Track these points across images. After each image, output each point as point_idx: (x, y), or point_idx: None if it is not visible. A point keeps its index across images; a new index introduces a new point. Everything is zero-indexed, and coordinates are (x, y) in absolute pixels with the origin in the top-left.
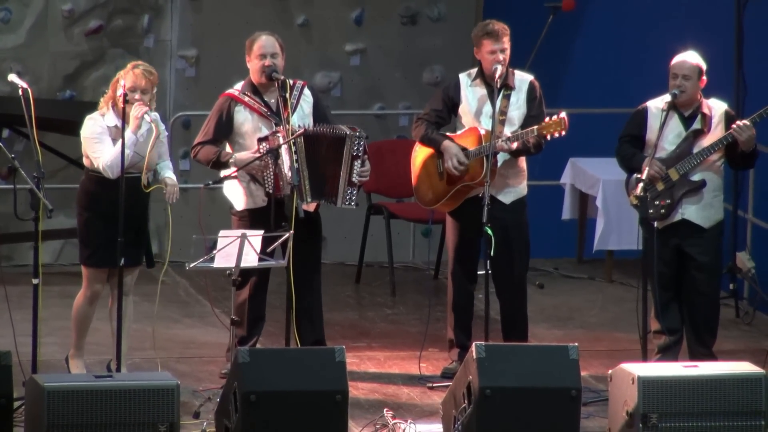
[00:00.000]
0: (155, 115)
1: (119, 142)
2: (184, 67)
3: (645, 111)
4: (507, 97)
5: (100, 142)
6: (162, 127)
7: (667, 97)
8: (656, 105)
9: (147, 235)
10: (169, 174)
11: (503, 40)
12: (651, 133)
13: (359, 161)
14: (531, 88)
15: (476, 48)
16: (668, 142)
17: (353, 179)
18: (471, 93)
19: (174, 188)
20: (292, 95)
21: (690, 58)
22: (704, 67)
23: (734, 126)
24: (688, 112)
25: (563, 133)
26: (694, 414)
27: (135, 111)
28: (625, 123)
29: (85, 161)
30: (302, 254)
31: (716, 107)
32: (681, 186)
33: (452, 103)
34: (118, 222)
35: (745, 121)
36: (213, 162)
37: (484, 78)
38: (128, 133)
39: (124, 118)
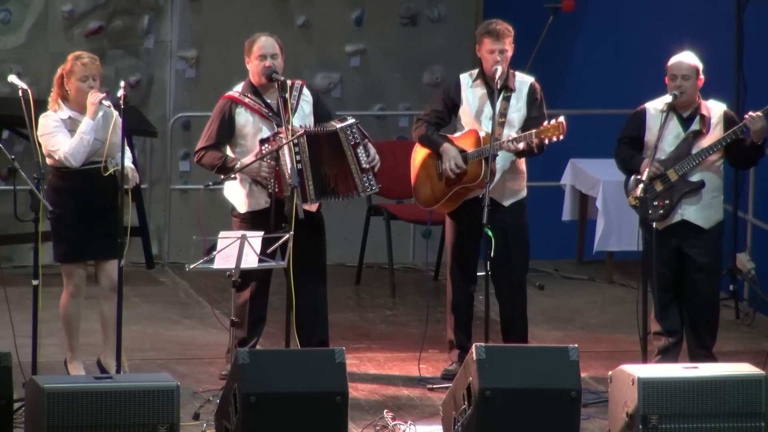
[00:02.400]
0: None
1: (79, 129)
2: (184, 68)
3: (643, 112)
4: (507, 99)
5: (56, 135)
6: (115, 113)
7: (665, 99)
8: (655, 106)
9: (121, 222)
10: (126, 163)
11: (504, 41)
12: (650, 135)
13: (361, 147)
14: (531, 90)
15: (478, 46)
16: (667, 144)
17: (364, 166)
18: (471, 94)
19: (133, 173)
20: (291, 96)
21: (687, 58)
22: (701, 66)
23: (748, 116)
24: (686, 113)
25: (561, 137)
26: (694, 415)
27: (91, 98)
28: (624, 124)
29: (48, 161)
30: (307, 256)
31: (715, 108)
32: (680, 187)
33: (452, 103)
34: (89, 215)
35: (758, 112)
36: (218, 167)
37: (485, 79)
38: (86, 120)
39: (124, 118)
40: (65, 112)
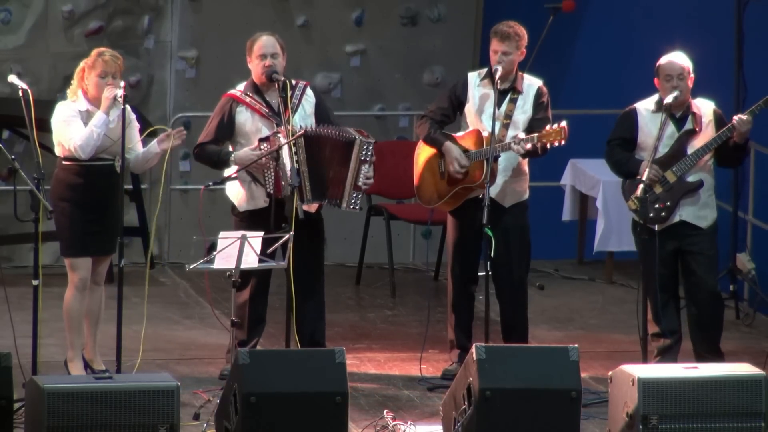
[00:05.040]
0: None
1: (91, 122)
2: (185, 68)
3: (634, 113)
4: (513, 101)
5: (71, 124)
6: (133, 116)
7: (654, 99)
8: (646, 107)
9: (121, 222)
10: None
11: (507, 44)
12: (643, 135)
13: (367, 165)
14: (538, 93)
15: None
16: (662, 144)
17: (359, 183)
18: (477, 93)
19: (174, 131)
20: (293, 96)
21: (679, 58)
22: (691, 65)
23: (736, 119)
24: (679, 113)
25: (563, 142)
26: (694, 415)
27: (107, 92)
28: (614, 126)
29: (58, 151)
30: (305, 256)
31: (704, 107)
32: (679, 188)
33: (458, 101)
34: (95, 210)
35: (747, 116)
36: (214, 162)
37: (492, 78)
38: (99, 113)
39: (124, 117)
40: (83, 105)
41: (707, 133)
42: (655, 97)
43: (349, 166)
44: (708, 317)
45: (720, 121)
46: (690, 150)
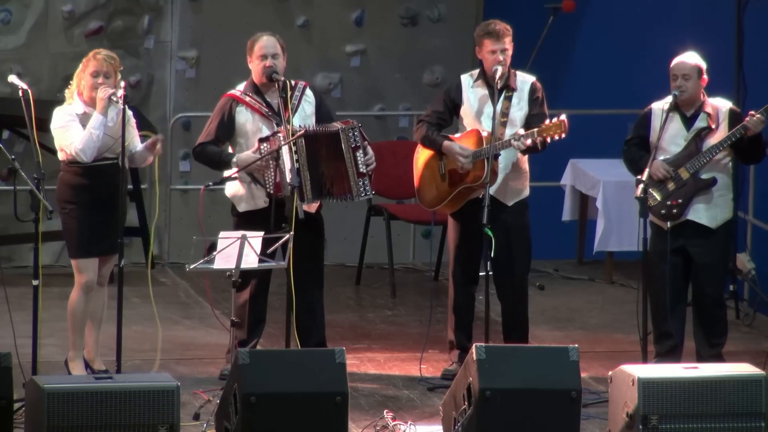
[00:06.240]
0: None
1: (89, 124)
2: (184, 68)
3: (649, 112)
4: (509, 99)
5: (70, 129)
6: (129, 113)
7: (670, 99)
8: (659, 106)
9: (124, 222)
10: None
11: (504, 41)
12: (653, 134)
13: (360, 151)
14: (533, 89)
15: (478, 48)
16: (669, 143)
17: (361, 170)
18: (472, 94)
19: (156, 138)
20: (293, 96)
21: (689, 58)
22: (704, 66)
23: (750, 120)
24: (690, 111)
25: (563, 135)
26: (694, 415)
27: (101, 93)
28: (633, 126)
29: (60, 156)
30: (305, 256)
31: (721, 105)
32: (693, 184)
33: (453, 104)
34: (101, 210)
35: (760, 115)
36: (215, 162)
37: (486, 79)
38: (95, 115)
39: (124, 117)
40: (80, 107)
41: (722, 132)
42: (671, 96)
43: (344, 158)
44: (709, 322)
45: (735, 119)
46: (705, 148)
